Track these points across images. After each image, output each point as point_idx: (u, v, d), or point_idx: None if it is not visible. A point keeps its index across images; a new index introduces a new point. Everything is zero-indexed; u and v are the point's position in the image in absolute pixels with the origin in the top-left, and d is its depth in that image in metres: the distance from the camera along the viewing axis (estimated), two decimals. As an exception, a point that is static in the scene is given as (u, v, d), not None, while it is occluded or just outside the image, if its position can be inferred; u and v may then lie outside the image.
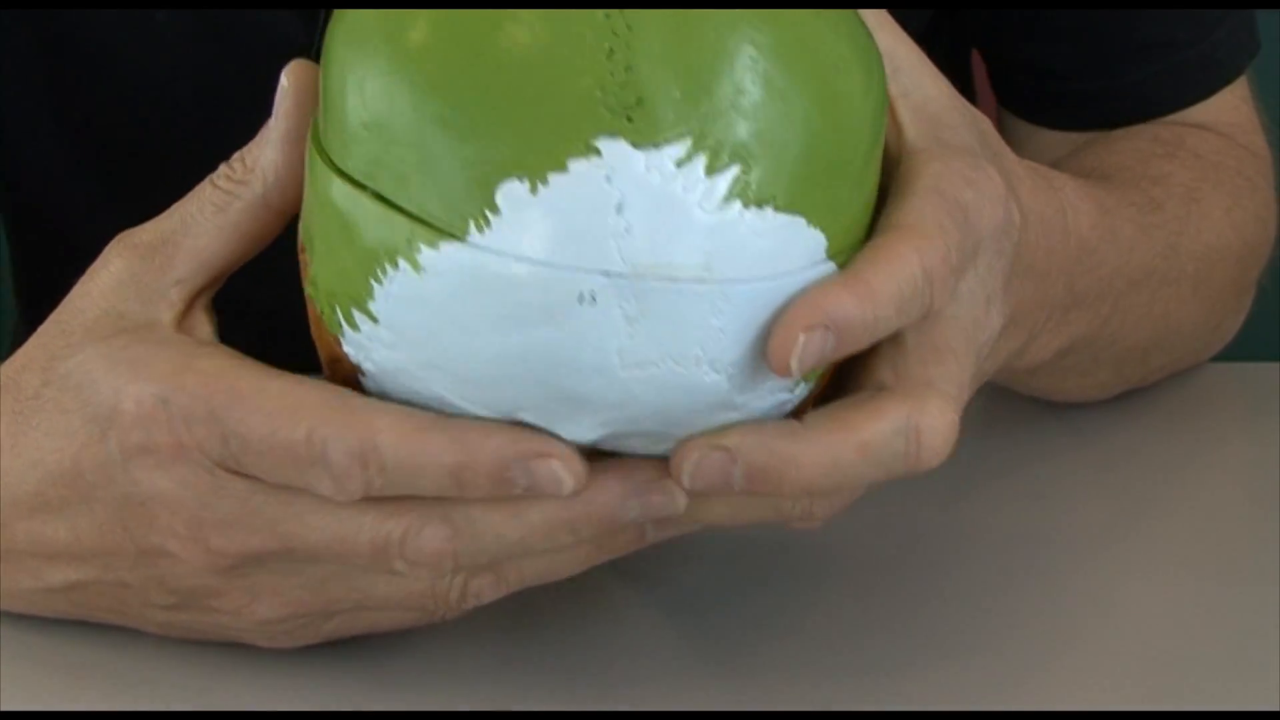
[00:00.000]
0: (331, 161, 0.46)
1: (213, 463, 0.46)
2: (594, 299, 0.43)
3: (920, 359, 0.48)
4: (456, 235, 0.43)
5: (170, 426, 0.46)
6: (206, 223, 0.49)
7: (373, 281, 0.44)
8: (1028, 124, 0.80)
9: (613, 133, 0.42)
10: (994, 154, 0.53)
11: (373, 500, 0.46)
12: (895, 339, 0.47)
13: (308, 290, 0.48)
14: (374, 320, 0.45)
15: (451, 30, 0.44)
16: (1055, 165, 0.65)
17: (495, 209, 0.43)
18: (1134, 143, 0.75)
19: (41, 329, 0.51)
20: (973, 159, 0.50)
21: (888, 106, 0.48)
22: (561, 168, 0.42)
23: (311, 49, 0.67)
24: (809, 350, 0.44)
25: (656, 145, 0.43)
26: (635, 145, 0.42)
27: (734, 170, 0.43)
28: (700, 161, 0.43)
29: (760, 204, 0.44)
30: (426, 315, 0.44)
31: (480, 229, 0.43)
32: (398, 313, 0.44)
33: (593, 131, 0.42)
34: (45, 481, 0.49)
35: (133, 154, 0.77)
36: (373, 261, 0.44)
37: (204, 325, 0.50)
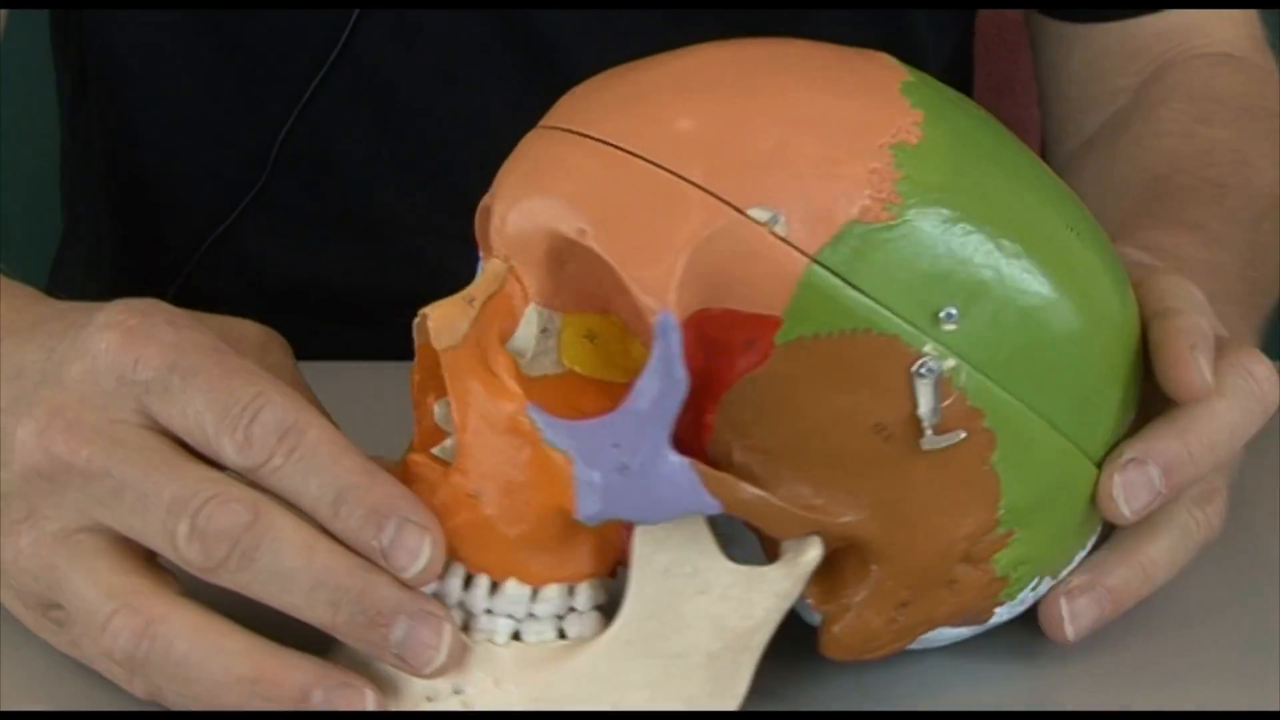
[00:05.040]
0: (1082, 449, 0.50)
1: (139, 383, 0.47)
2: None
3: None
4: None
5: (146, 324, 0.47)
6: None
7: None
8: (1067, 24, 0.84)
9: None
10: None
11: (209, 465, 0.46)
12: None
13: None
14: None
15: None
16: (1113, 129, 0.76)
17: None
18: (1171, 111, 0.77)
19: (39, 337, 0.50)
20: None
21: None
22: None
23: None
24: None
25: None
26: None
27: None
28: None
29: None
30: None
31: None
32: None
33: None
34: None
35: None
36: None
37: None
